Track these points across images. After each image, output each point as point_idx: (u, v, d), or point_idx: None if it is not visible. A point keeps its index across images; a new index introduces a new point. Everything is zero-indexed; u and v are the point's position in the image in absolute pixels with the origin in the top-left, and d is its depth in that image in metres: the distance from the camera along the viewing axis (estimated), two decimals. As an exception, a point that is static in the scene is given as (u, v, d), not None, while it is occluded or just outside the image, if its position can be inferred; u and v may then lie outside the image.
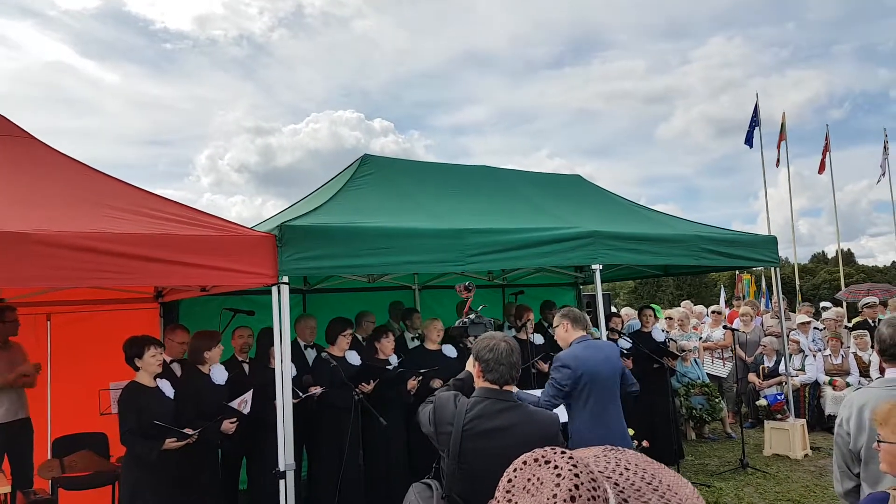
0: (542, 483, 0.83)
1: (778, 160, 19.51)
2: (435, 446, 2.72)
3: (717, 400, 8.32)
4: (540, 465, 0.86)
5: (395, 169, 6.60)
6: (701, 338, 9.64)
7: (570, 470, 0.83)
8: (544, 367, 6.28)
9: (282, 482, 4.23)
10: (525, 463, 0.87)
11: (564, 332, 4.27)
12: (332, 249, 4.62)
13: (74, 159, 4.95)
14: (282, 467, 4.23)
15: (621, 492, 0.88)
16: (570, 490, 0.81)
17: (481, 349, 2.70)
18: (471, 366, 2.87)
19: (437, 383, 5.74)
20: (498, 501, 0.84)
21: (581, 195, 7.57)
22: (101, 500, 5.79)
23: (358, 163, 6.41)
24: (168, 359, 5.08)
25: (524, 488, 0.84)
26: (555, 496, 0.81)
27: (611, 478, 0.89)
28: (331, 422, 5.30)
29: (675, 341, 8.51)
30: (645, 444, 6.69)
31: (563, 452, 0.88)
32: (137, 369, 4.48)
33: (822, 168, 20.66)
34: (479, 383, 2.70)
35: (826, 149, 20.43)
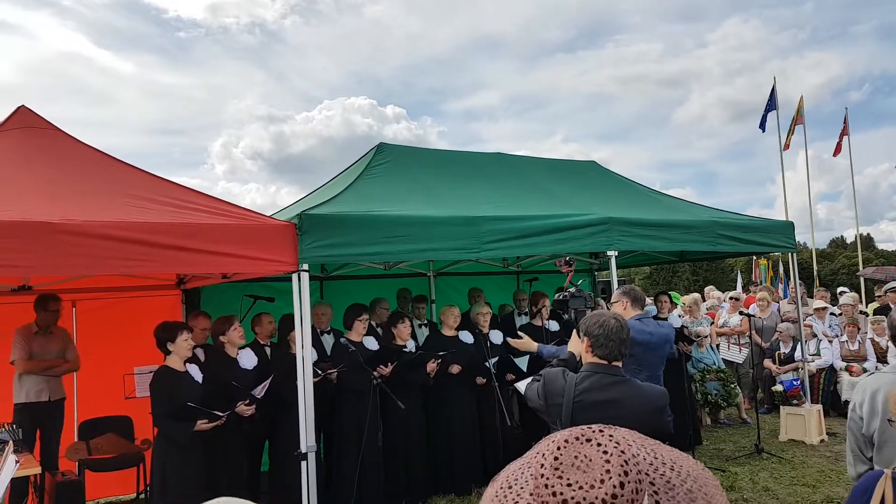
0: (591, 461, 0.84)
1: (788, 144, 19.13)
2: (545, 419, 2.85)
3: (732, 385, 8.33)
4: (582, 444, 0.86)
5: (410, 157, 6.65)
6: (712, 323, 9.63)
7: (615, 447, 0.85)
8: (560, 352, 6.33)
9: (303, 463, 4.34)
10: (567, 441, 0.87)
11: (622, 310, 4.21)
12: (349, 237, 4.70)
13: (96, 149, 5.05)
14: (303, 449, 4.35)
15: (652, 483, 0.89)
16: (623, 465, 0.83)
17: (591, 325, 2.76)
18: (576, 342, 2.95)
19: (455, 368, 5.83)
20: (547, 478, 0.85)
21: (596, 181, 7.58)
22: (126, 482, 5.96)
23: (373, 151, 6.47)
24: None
25: (573, 465, 0.84)
26: (608, 472, 0.82)
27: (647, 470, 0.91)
28: (350, 405, 5.40)
29: (688, 328, 8.52)
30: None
31: (601, 431, 0.88)
32: (168, 353, 4.59)
33: (837, 151, 20.31)
34: (588, 358, 2.77)
35: (844, 132, 20.10)
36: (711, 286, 13.69)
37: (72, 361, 5.69)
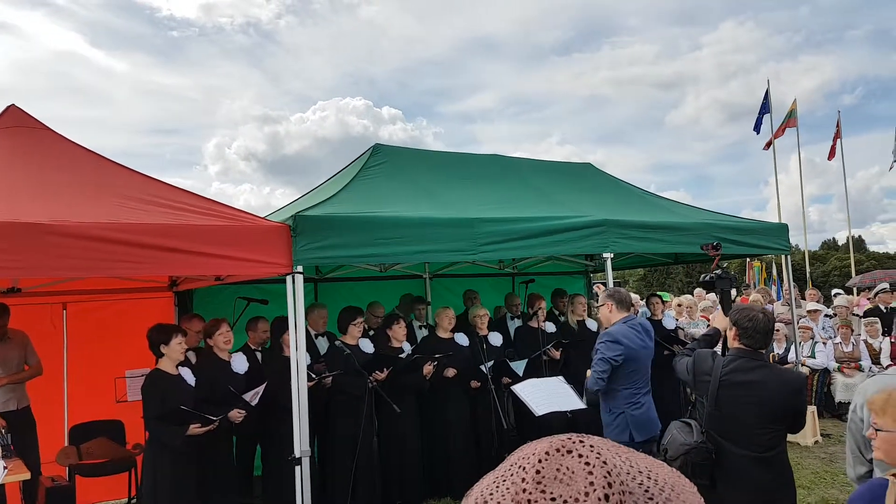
0: (573, 473, 0.81)
1: (771, 142, 19.00)
2: (693, 392, 3.28)
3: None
4: (563, 455, 0.83)
5: (406, 158, 6.61)
6: (707, 325, 9.63)
7: (597, 458, 0.82)
8: (556, 354, 6.30)
9: (297, 468, 4.29)
10: (548, 453, 0.84)
11: (608, 313, 4.42)
12: (344, 239, 4.66)
13: (87, 149, 4.99)
14: (297, 453, 4.29)
15: (631, 493, 0.87)
16: (606, 476, 0.80)
17: (741, 318, 3.13)
18: (721, 319, 3.60)
19: (450, 372, 5.78)
20: (529, 493, 0.82)
21: (592, 183, 7.56)
22: (118, 487, 5.88)
23: (369, 152, 6.43)
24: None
25: (555, 478, 0.82)
26: (591, 484, 0.79)
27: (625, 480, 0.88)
28: (345, 409, 5.35)
29: (684, 329, 8.51)
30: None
31: (581, 442, 0.85)
32: (161, 356, 4.53)
33: (832, 154, 20.47)
34: (735, 344, 3.17)
35: (837, 135, 20.23)
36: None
37: (33, 367, 5.48)
